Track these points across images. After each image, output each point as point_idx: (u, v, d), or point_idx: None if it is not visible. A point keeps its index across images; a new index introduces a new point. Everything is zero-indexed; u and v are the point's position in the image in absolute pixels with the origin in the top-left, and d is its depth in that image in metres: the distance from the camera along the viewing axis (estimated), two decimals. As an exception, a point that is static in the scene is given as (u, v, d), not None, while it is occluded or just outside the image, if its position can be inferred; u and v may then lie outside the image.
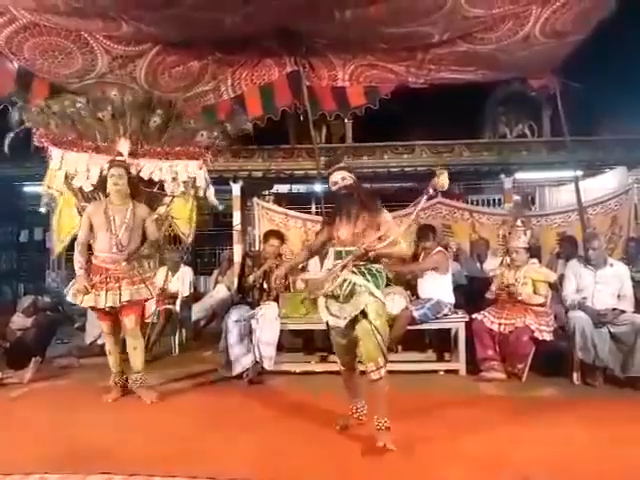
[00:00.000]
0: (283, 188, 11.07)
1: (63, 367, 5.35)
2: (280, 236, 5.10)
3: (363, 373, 3.17)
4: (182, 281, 6.26)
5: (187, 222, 5.14)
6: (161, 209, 4.56)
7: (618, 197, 6.78)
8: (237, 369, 4.61)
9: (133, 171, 4.23)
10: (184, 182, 4.48)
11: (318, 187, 8.27)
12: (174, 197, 4.58)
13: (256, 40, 5.06)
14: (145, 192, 4.39)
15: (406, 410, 3.64)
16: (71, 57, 4.89)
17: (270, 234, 5.16)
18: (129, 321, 4.08)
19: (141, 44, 4.93)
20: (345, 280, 3.05)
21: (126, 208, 4.05)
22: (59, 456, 3.00)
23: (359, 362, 3.26)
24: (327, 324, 3.21)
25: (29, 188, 10.67)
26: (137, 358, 4.16)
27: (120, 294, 3.95)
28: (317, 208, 9.76)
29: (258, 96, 6.06)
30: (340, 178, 3.23)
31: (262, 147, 9.45)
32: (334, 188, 3.26)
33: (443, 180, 3.02)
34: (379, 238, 3.06)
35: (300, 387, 4.34)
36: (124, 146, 4.21)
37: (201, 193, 4.67)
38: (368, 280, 3.08)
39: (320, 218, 6.83)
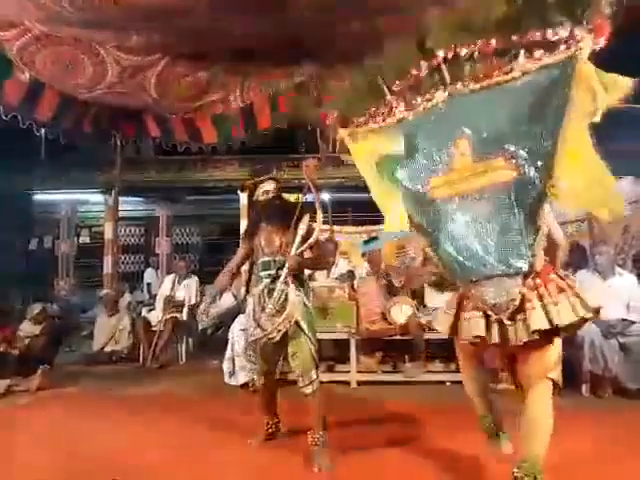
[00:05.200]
0: (290, 197, 11.12)
1: (71, 374, 5.37)
2: None
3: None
4: (189, 289, 6.28)
5: None
6: None
7: (630, 206, 6.73)
8: (243, 378, 4.61)
9: None
10: None
11: (325, 196, 8.28)
12: None
13: (264, 50, 5.10)
14: None
15: (411, 421, 3.62)
16: (82, 67, 4.94)
17: None
18: None
19: (151, 54, 4.98)
20: (282, 291, 2.97)
21: None
22: (65, 465, 3.00)
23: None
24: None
25: (39, 196, 10.79)
26: None
27: None
28: (324, 217, 9.78)
29: (268, 107, 6.10)
30: (273, 188, 3.24)
31: (271, 156, 9.51)
32: (266, 197, 3.23)
33: None
34: (310, 248, 3.08)
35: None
36: None
37: None
38: (300, 290, 3.06)
39: (327, 227, 6.82)
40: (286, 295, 2.96)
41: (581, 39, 2.13)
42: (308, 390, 2.98)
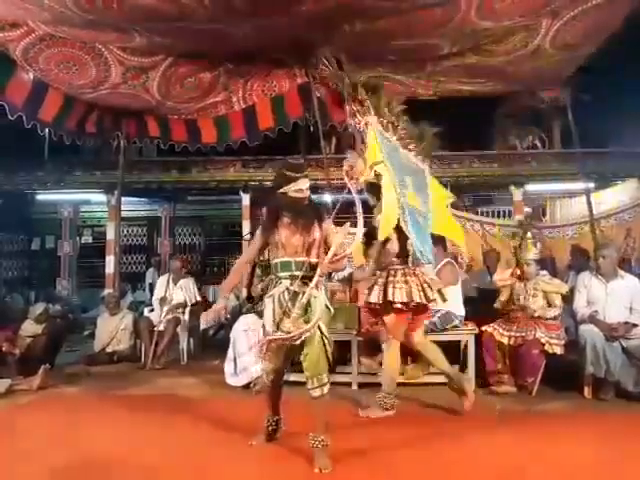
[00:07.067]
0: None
1: (72, 374, 5.38)
2: None
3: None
4: (187, 290, 6.27)
5: None
6: None
7: (632, 209, 6.73)
8: (245, 379, 4.61)
9: None
10: None
11: (327, 197, 8.28)
12: None
13: (267, 52, 5.10)
14: None
15: (413, 423, 3.62)
16: (85, 68, 4.95)
17: None
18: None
19: (154, 55, 4.99)
20: (310, 295, 2.90)
21: None
22: (66, 464, 3.00)
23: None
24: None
25: (41, 196, 10.81)
26: None
27: None
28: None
29: (269, 107, 6.11)
30: (306, 187, 3.10)
31: (272, 157, 9.51)
32: (298, 195, 3.07)
33: None
34: (334, 251, 2.98)
35: (306, 397, 4.31)
36: None
37: None
38: (322, 293, 3.01)
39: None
40: (311, 299, 2.90)
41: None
42: (317, 393, 2.93)
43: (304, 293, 2.90)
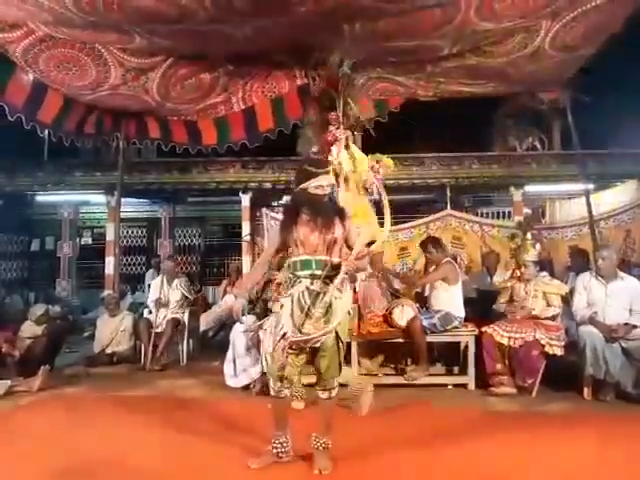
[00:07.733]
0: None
1: (72, 376, 5.37)
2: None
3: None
4: (182, 288, 6.25)
5: None
6: None
7: (631, 210, 6.74)
8: (244, 380, 4.60)
9: None
10: None
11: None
12: None
13: (267, 53, 5.11)
14: None
15: (413, 424, 3.62)
16: (85, 69, 4.95)
17: None
18: None
19: (154, 56, 4.99)
20: (333, 296, 2.80)
21: None
22: (66, 465, 3.00)
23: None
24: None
25: (41, 197, 10.81)
26: None
27: None
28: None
29: (269, 109, 6.11)
30: (327, 184, 3.00)
31: (272, 158, 9.52)
32: (318, 191, 2.95)
33: None
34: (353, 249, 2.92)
35: (307, 399, 4.31)
36: None
37: None
38: (347, 294, 2.94)
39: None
40: (332, 300, 2.80)
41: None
42: (325, 395, 2.90)
43: (325, 293, 2.80)
